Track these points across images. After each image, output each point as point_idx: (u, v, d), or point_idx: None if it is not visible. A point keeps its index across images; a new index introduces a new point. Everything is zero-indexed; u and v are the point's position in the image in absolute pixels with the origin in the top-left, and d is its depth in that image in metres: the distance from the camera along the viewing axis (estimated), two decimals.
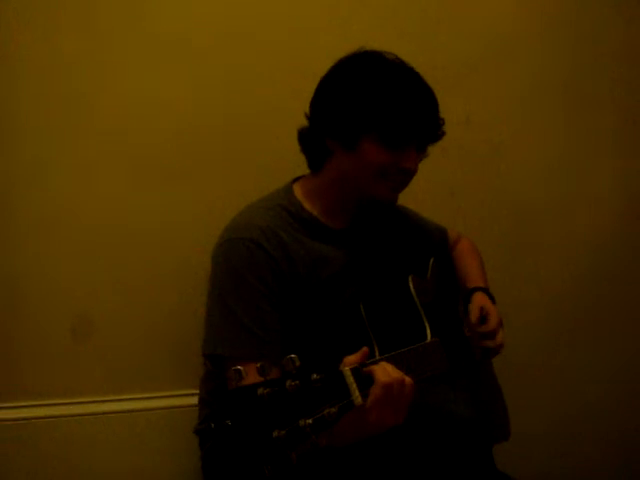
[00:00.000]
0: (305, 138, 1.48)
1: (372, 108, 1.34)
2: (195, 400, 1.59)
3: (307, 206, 1.46)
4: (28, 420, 1.66)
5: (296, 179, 1.53)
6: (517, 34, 2.00)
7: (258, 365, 0.94)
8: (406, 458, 1.38)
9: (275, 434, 0.90)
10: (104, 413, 1.70)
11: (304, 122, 1.47)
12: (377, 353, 1.30)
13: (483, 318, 1.53)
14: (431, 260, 1.62)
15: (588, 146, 2.11)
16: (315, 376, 0.98)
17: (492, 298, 1.60)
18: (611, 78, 2.09)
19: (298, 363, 0.96)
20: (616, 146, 2.13)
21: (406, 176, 1.41)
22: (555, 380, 2.13)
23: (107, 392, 1.72)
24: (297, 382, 0.94)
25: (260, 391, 0.91)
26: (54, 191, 1.68)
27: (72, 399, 1.69)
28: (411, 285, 1.47)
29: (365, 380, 1.06)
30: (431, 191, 1.89)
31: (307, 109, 1.45)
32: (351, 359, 1.11)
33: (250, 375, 0.95)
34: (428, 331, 1.41)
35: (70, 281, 1.70)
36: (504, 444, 1.57)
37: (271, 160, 1.72)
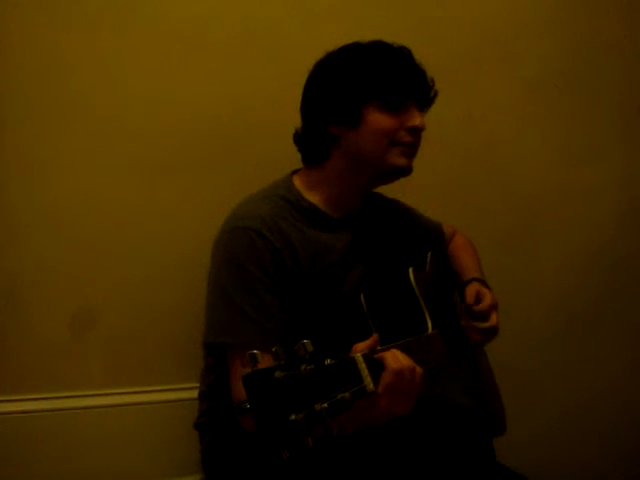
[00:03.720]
0: (304, 135, 1.49)
1: (364, 78, 1.39)
2: (195, 394, 1.58)
3: (307, 196, 1.47)
4: (27, 413, 1.64)
5: (295, 171, 1.54)
6: (518, 29, 2.02)
7: (273, 349, 0.94)
8: (409, 448, 1.38)
9: (292, 417, 0.90)
10: (104, 406, 1.69)
11: None
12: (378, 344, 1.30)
13: (478, 300, 1.55)
14: (429, 254, 1.63)
15: (590, 139, 2.13)
16: (328, 361, 0.98)
17: (488, 288, 1.62)
18: (612, 73, 2.11)
19: (311, 348, 0.96)
20: (617, 140, 2.16)
21: (415, 136, 1.43)
22: (555, 375, 2.15)
23: (107, 385, 1.71)
24: (312, 366, 0.94)
25: (277, 374, 0.91)
26: (55, 185, 1.67)
27: (71, 392, 1.68)
28: (411, 277, 1.48)
29: (376, 366, 1.06)
30: (433, 186, 1.91)
31: None
32: (361, 346, 1.11)
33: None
34: (429, 323, 1.42)
35: (70, 275, 1.68)
36: (504, 439, 1.58)
37: (273, 154, 1.71)
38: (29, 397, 1.66)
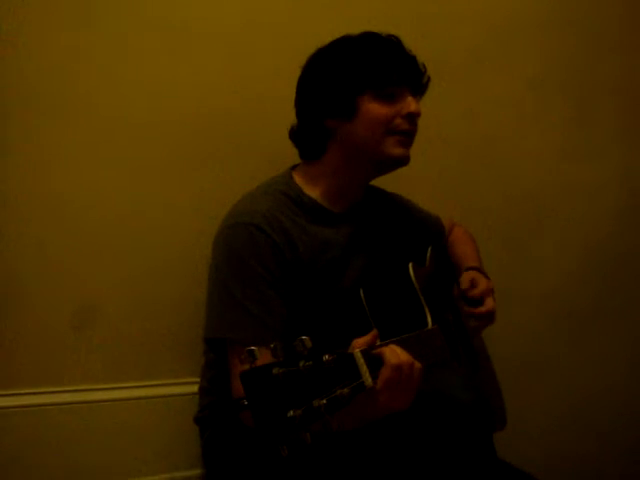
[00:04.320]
0: (300, 131, 1.49)
1: (356, 69, 1.39)
2: (195, 388, 1.59)
3: (307, 191, 1.47)
4: (27, 408, 1.63)
5: (294, 166, 1.54)
6: (519, 26, 2.02)
7: (272, 346, 0.94)
8: (409, 443, 1.38)
9: (290, 414, 0.90)
10: (104, 401, 1.68)
11: None
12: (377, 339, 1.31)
13: (472, 286, 1.55)
14: (429, 249, 1.63)
15: (591, 136, 2.14)
16: (327, 357, 0.98)
17: (486, 276, 1.62)
18: (614, 69, 2.11)
19: (309, 344, 0.96)
20: (618, 136, 2.16)
21: (412, 123, 1.43)
22: (554, 371, 2.14)
23: (107, 380, 1.70)
24: (310, 362, 0.95)
25: (275, 371, 0.91)
26: (55, 181, 1.66)
27: (72, 387, 1.67)
28: (411, 272, 1.48)
29: (375, 362, 1.06)
30: (433, 182, 1.90)
31: None
32: (360, 341, 1.11)
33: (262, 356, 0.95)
34: (429, 318, 1.42)
35: (71, 270, 1.67)
36: (504, 435, 1.58)
37: (272, 150, 1.70)
38: (29, 391, 1.65)
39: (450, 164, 1.96)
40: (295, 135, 1.51)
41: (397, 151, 1.42)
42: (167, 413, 1.73)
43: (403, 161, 1.45)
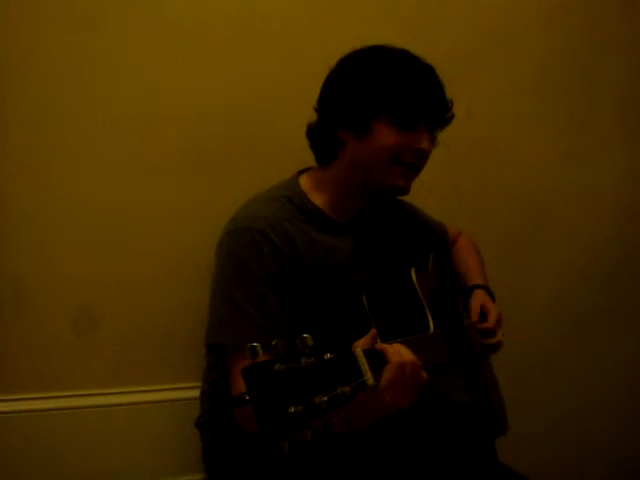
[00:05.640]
0: (315, 132, 1.48)
1: (379, 91, 1.36)
2: (196, 393, 1.58)
3: (312, 198, 1.46)
4: (30, 413, 1.64)
5: (302, 171, 1.53)
6: (518, 28, 2.02)
7: (273, 343, 0.94)
8: (410, 446, 1.38)
9: (292, 410, 0.90)
10: (105, 406, 1.68)
11: (309, 116, 1.48)
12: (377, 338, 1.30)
13: (483, 315, 1.55)
14: (431, 255, 1.63)
15: (591, 139, 2.14)
16: (328, 355, 0.98)
17: (492, 295, 1.62)
18: (614, 71, 2.11)
19: (311, 342, 0.95)
20: (619, 139, 2.16)
21: (419, 158, 1.41)
22: (556, 376, 2.14)
23: (108, 385, 1.70)
24: (312, 359, 0.95)
25: (277, 367, 0.91)
26: (57, 184, 1.67)
27: (74, 391, 1.67)
28: (414, 277, 1.49)
29: (378, 361, 1.06)
30: (434, 185, 1.88)
31: (313, 103, 1.47)
32: (359, 342, 1.11)
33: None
34: (431, 322, 1.43)
35: (72, 274, 1.68)
36: (505, 439, 1.57)
37: (276, 153, 1.71)
38: (30, 396, 1.65)
39: (450, 167, 1.96)
40: (311, 134, 1.49)
41: (397, 182, 1.41)
42: (168, 417, 1.73)
43: (401, 192, 1.45)
